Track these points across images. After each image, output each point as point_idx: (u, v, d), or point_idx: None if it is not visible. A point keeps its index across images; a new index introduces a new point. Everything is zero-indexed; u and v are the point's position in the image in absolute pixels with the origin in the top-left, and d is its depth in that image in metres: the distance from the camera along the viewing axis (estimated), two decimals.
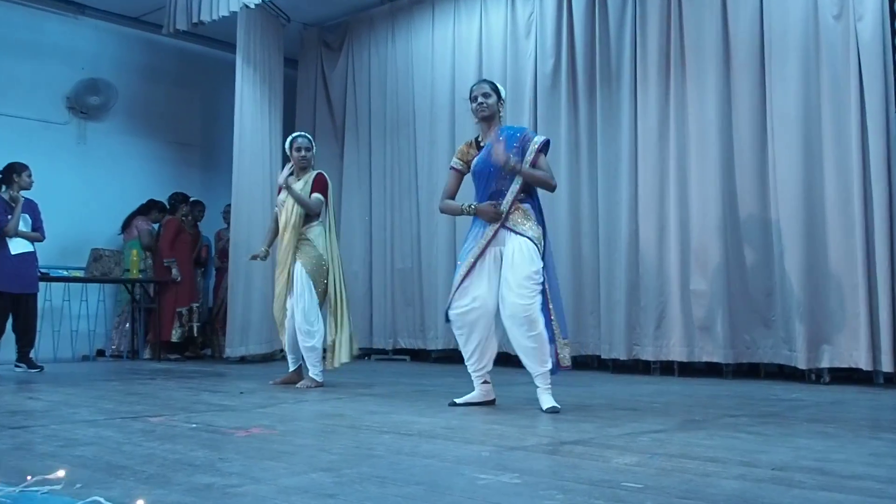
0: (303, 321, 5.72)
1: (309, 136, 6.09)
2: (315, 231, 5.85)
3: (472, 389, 4.59)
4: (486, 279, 4.37)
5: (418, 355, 8.74)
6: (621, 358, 6.92)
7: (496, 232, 4.38)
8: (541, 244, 4.31)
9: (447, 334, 8.14)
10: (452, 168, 4.66)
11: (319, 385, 5.71)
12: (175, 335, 8.97)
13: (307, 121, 9.69)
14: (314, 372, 5.77)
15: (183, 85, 10.43)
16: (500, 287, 4.30)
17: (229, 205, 8.87)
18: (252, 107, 8.67)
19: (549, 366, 4.27)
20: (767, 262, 6.31)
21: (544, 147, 4.49)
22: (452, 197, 4.62)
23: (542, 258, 4.31)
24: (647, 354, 6.79)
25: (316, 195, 5.82)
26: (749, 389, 5.55)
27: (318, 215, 5.86)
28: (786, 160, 6.19)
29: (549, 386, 4.30)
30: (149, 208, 9.46)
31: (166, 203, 9.47)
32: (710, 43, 6.65)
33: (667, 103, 6.89)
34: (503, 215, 4.37)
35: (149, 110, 10.07)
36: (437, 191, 8.41)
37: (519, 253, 4.27)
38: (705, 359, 6.50)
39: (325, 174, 5.93)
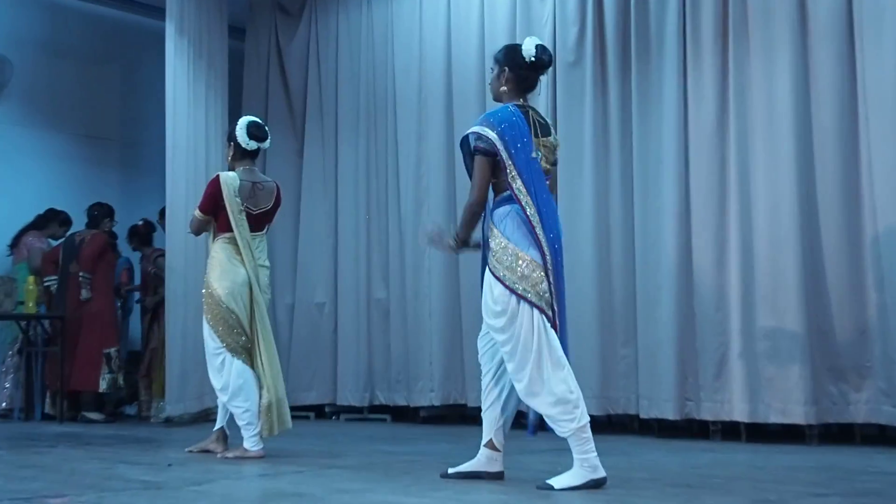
0: (209, 371, 5.84)
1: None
2: (213, 251, 5.92)
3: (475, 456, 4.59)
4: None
5: (402, 414, 8.67)
6: (669, 417, 6.86)
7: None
8: (504, 266, 4.32)
9: (444, 387, 8.04)
10: None
11: (254, 456, 5.58)
12: (103, 384, 8.79)
13: (257, 107, 9.61)
14: (247, 437, 5.66)
15: (97, 62, 10.40)
16: None
17: (161, 213, 8.77)
18: (187, 90, 8.57)
19: (572, 425, 4.18)
20: (860, 290, 6.27)
21: (470, 144, 4.53)
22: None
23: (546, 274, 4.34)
24: (705, 413, 6.73)
25: (194, 213, 5.99)
26: (840, 459, 5.52)
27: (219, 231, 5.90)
28: (883, 156, 6.15)
29: (581, 443, 4.18)
30: (45, 221, 9.33)
31: (85, 215, 9.26)
32: (782, 4, 6.62)
33: (725, 84, 6.86)
34: (453, 246, 4.60)
35: (52, 95, 10.02)
36: (427, 196, 8.40)
37: (486, 290, 4.45)
38: (776, 419, 6.44)
39: (217, 177, 5.92)
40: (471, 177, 4.50)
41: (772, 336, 6.45)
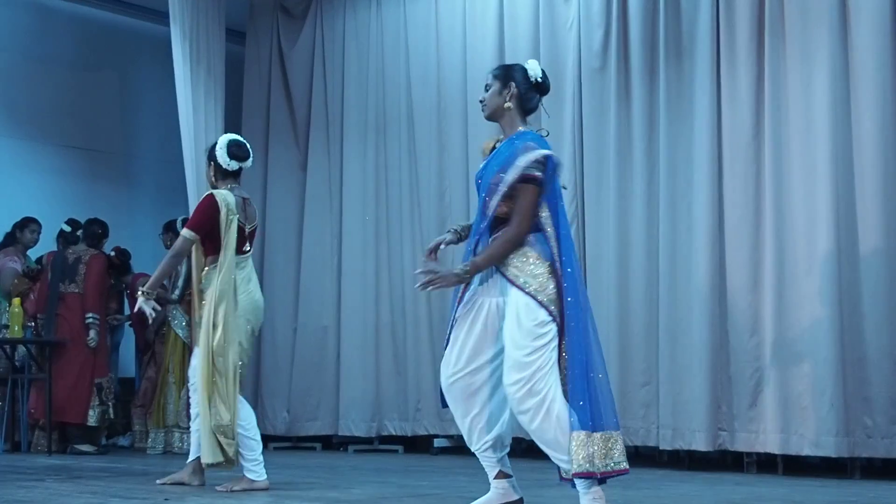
0: None
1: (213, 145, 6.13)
2: (206, 281, 5.91)
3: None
4: (477, 335, 4.43)
5: (415, 444, 8.68)
6: (700, 448, 6.87)
7: (490, 277, 4.41)
8: (546, 293, 4.27)
9: None
10: None
11: (260, 487, 5.65)
12: (92, 417, 8.82)
13: (257, 116, 9.65)
14: (250, 468, 5.72)
15: (89, 68, 10.45)
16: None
17: (171, 227, 8.82)
18: (192, 97, 8.55)
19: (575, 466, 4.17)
20: None
21: (531, 171, 4.31)
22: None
23: (559, 309, 4.27)
24: (739, 443, 6.74)
25: (182, 233, 5.84)
26: (881, 494, 5.53)
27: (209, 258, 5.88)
28: None
29: (589, 490, 4.19)
30: (12, 237, 9.21)
31: (68, 227, 9.22)
32: (821, 5, 6.64)
33: (761, 88, 6.88)
34: (462, 277, 4.32)
35: (39, 104, 10.07)
36: (451, 213, 8.33)
37: (515, 314, 4.28)
38: (809, 451, 6.43)
39: (212, 195, 5.89)
40: (501, 201, 4.36)
41: (805, 363, 6.47)
